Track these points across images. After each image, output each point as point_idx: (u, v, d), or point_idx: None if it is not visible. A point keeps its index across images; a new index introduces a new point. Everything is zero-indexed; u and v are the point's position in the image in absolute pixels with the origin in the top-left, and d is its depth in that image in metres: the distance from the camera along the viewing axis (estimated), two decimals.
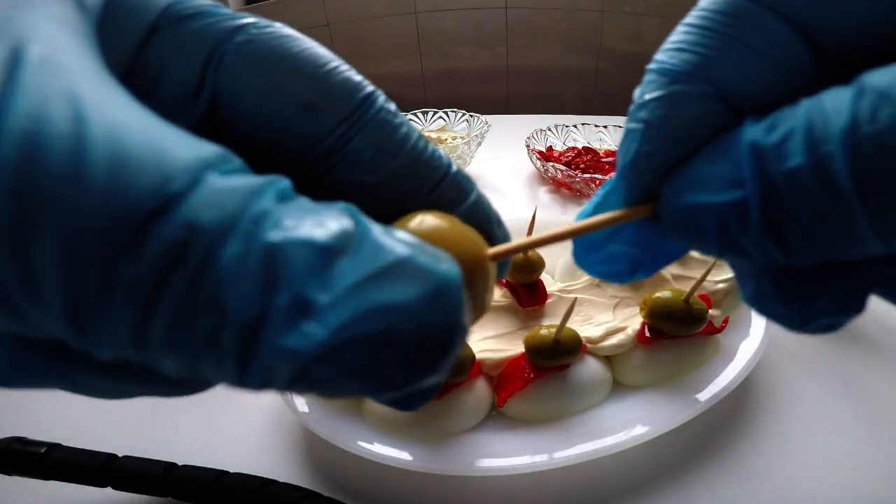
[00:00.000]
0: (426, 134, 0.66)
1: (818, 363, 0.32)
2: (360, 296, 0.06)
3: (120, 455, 0.25)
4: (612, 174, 0.58)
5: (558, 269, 0.36)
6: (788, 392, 0.30)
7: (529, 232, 0.30)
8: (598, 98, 1.89)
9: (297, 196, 0.07)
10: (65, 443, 0.25)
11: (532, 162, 0.61)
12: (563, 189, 0.59)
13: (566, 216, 0.53)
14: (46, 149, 0.06)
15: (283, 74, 0.10)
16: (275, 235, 0.06)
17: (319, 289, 0.06)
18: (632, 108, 0.11)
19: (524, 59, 1.89)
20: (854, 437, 0.27)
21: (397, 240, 0.07)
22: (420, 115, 0.69)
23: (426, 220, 0.10)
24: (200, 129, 0.10)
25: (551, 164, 0.56)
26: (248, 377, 0.07)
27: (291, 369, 0.06)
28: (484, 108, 0.72)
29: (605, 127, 0.67)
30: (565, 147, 0.66)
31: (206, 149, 0.07)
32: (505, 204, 0.57)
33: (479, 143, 0.60)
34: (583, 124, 0.68)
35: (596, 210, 0.12)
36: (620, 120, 0.73)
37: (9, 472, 0.24)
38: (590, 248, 0.12)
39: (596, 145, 0.66)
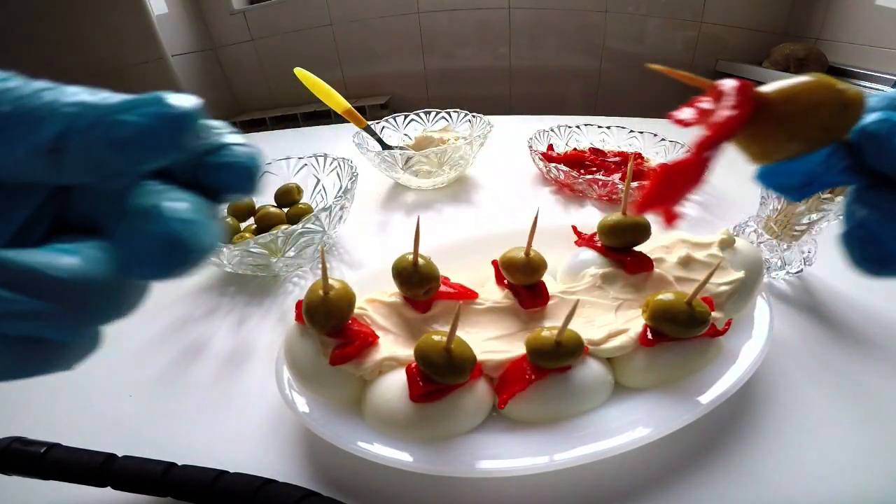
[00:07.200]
0: (428, 134, 0.66)
1: (820, 365, 0.32)
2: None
3: (120, 455, 0.25)
4: (617, 174, 0.57)
5: (560, 271, 0.36)
6: (790, 394, 0.30)
7: (531, 234, 0.30)
8: (601, 98, 1.90)
9: None
10: (65, 443, 0.25)
11: (534, 163, 0.60)
12: (566, 190, 0.58)
13: (569, 217, 0.53)
14: None
15: None
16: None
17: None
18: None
19: (527, 60, 1.89)
20: (856, 439, 0.27)
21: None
22: (422, 115, 0.69)
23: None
24: None
25: (554, 165, 0.56)
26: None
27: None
28: (486, 108, 0.72)
29: (608, 128, 0.66)
30: (570, 148, 0.65)
31: None
32: (507, 205, 0.57)
33: (482, 144, 0.60)
34: (585, 125, 0.67)
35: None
36: (623, 120, 0.73)
37: (9, 472, 0.24)
38: (775, 166, 0.16)
39: (598, 146, 0.66)
